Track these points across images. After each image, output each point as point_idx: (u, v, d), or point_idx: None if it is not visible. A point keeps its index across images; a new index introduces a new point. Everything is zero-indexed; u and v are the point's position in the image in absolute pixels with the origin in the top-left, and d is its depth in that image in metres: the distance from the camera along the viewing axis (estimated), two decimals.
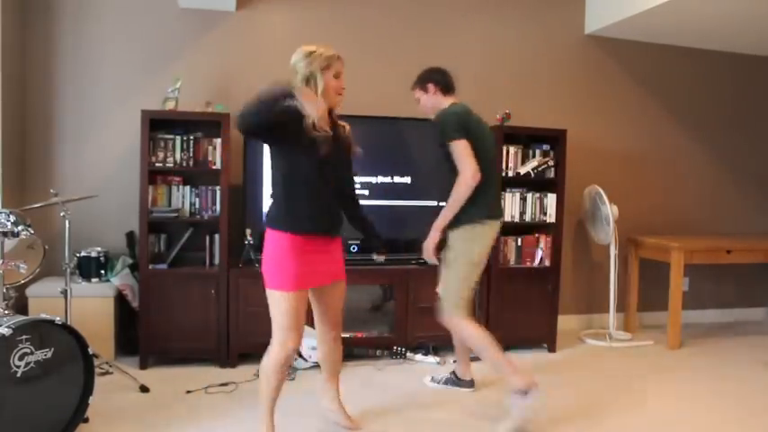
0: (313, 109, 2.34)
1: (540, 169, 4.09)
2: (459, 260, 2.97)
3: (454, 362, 3.47)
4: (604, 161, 4.77)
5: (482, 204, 2.96)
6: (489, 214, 3.00)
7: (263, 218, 2.52)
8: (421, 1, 4.37)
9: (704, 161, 5.10)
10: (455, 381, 3.40)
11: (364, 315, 4.01)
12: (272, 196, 2.47)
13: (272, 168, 2.45)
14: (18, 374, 2.29)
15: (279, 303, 2.39)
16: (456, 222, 2.97)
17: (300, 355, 3.59)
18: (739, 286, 5.21)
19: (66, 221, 3.11)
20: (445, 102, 3.10)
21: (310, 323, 3.68)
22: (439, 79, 3.12)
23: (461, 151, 2.88)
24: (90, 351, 2.55)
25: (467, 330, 2.94)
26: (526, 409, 2.76)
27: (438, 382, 3.42)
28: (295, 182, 2.40)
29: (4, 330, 2.24)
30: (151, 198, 3.59)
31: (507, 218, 4.07)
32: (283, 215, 2.41)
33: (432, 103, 3.13)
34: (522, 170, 4.07)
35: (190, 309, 3.56)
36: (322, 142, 2.37)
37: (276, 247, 2.40)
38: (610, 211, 4.28)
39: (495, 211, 3.06)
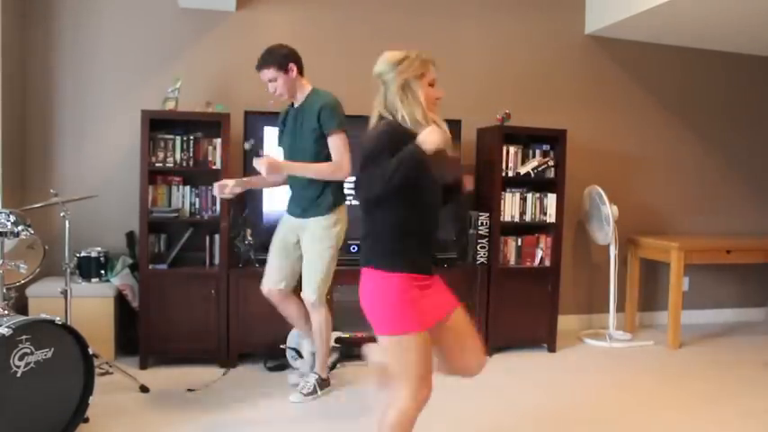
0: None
1: (540, 169, 4.09)
2: (328, 247, 3.05)
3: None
4: (604, 161, 4.77)
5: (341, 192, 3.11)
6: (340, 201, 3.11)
7: (370, 256, 2.07)
8: (420, 2, 4.37)
9: (704, 161, 5.10)
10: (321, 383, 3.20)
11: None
12: (377, 233, 2.06)
13: (392, 205, 2.02)
14: (18, 374, 2.29)
15: (408, 349, 2.02)
16: (316, 210, 3.02)
17: (300, 356, 3.59)
18: (739, 286, 5.21)
19: (66, 221, 3.11)
20: (307, 85, 3.08)
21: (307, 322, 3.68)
22: (298, 60, 3.04)
23: (345, 144, 2.97)
24: (90, 351, 2.55)
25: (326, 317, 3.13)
26: (313, 392, 3.13)
27: (307, 394, 3.13)
28: (422, 216, 2.09)
29: (4, 330, 2.24)
30: (151, 198, 3.60)
31: (507, 218, 4.07)
32: (404, 253, 2.05)
33: (291, 85, 3.03)
34: (522, 170, 4.07)
35: (190, 309, 3.56)
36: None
37: (396, 290, 2.02)
38: (610, 211, 4.28)
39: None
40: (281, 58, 2.98)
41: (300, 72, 3.04)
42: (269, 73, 2.99)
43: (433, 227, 2.17)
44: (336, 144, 2.94)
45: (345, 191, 3.13)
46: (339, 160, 2.95)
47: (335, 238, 3.06)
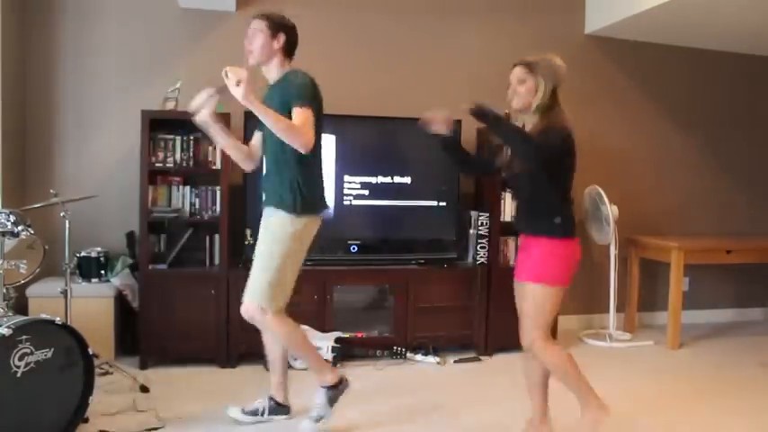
0: None
1: None
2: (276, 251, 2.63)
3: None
4: (604, 161, 4.77)
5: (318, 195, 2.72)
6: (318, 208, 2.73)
7: (552, 229, 2.46)
8: (420, 1, 4.37)
9: (704, 161, 5.09)
10: (275, 408, 2.87)
11: (364, 315, 4.01)
12: (554, 204, 2.48)
13: (555, 177, 2.47)
14: (18, 374, 2.29)
15: (556, 298, 2.47)
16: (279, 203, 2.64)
17: None
18: (739, 286, 5.21)
19: (66, 221, 3.11)
20: (287, 66, 2.71)
21: (307, 322, 3.68)
22: (291, 37, 2.70)
23: (310, 120, 2.54)
24: (90, 351, 2.55)
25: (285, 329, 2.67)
26: (332, 403, 2.69)
27: (253, 414, 2.84)
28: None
29: (4, 330, 2.24)
30: (151, 198, 3.60)
31: (507, 218, 4.06)
32: (572, 221, 2.50)
33: (268, 52, 2.66)
34: None
35: (190, 309, 3.56)
36: None
37: (571, 250, 2.47)
38: (610, 211, 4.28)
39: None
40: (278, 19, 2.68)
41: (288, 53, 2.70)
42: (256, 24, 2.67)
43: None
44: (299, 115, 2.52)
45: (319, 198, 2.73)
46: (301, 126, 2.50)
47: (298, 245, 2.64)
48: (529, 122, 2.53)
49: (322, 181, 2.77)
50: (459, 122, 4.01)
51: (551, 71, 2.57)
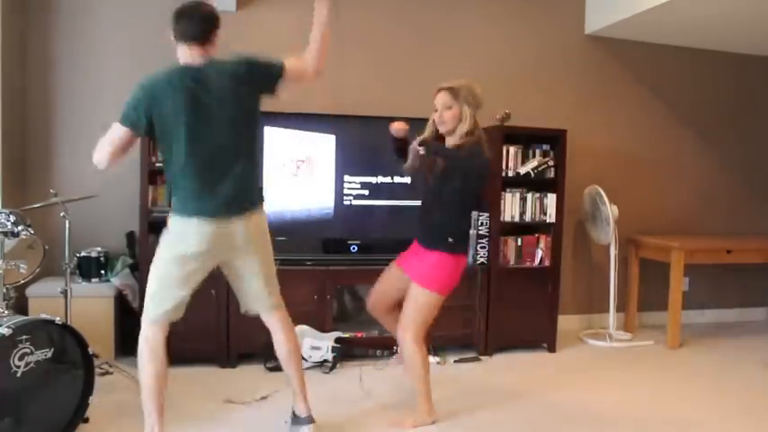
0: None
1: (539, 169, 4.08)
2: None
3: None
4: (604, 161, 4.77)
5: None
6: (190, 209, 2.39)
7: (445, 247, 2.75)
8: (420, 1, 4.37)
9: (704, 161, 5.10)
10: (294, 419, 2.69)
11: (364, 315, 4.00)
12: (451, 222, 2.77)
13: (454, 194, 2.75)
14: (18, 374, 2.29)
15: (437, 302, 2.78)
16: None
17: (302, 358, 3.59)
18: (739, 286, 5.21)
19: (66, 221, 3.11)
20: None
21: (307, 322, 3.68)
22: (174, 21, 2.54)
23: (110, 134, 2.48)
24: (90, 351, 2.55)
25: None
26: None
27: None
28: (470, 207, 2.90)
29: (4, 330, 2.24)
30: (151, 198, 3.60)
31: (507, 218, 4.06)
32: (464, 240, 2.82)
33: None
34: (522, 170, 4.07)
35: (190, 309, 3.53)
36: None
37: (457, 265, 2.78)
38: (610, 211, 4.28)
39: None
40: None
41: (179, 40, 2.60)
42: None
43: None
44: None
45: (186, 199, 2.40)
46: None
47: (164, 248, 2.41)
48: (451, 143, 2.76)
49: (199, 183, 2.41)
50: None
51: (472, 97, 2.71)
